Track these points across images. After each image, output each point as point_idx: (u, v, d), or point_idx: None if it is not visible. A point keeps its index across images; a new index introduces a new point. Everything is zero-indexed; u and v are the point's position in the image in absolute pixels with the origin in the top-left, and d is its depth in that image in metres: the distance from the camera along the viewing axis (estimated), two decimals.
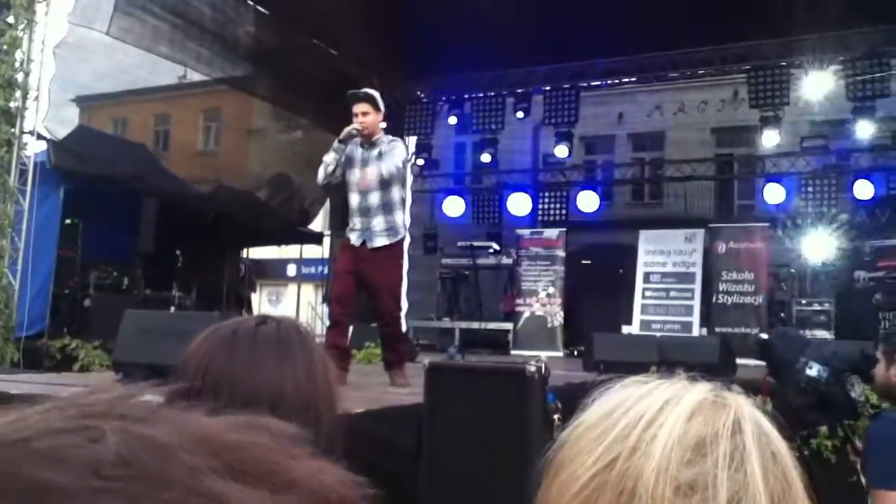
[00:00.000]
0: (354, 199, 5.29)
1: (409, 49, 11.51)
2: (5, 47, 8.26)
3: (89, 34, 9.63)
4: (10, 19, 8.32)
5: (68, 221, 9.04)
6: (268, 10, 11.61)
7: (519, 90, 13.26)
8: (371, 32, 10.91)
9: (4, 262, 7.85)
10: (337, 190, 5.56)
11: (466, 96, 13.76)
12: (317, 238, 14.54)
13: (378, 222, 5.21)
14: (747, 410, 0.69)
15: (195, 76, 14.12)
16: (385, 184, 5.19)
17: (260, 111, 16.90)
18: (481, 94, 13.61)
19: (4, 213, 7.97)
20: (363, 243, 5.22)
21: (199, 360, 1.27)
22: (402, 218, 5.37)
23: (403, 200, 5.44)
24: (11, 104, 8.22)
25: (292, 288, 20.12)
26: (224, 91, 15.27)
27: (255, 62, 11.73)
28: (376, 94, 5.31)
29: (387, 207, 5.22)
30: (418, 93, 14.02)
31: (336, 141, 5.20)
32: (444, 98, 13.85)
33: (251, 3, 11.47)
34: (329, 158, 5.21)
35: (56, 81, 9.13)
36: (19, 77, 8.30)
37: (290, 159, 13.72)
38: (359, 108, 5.18)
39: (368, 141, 5.23)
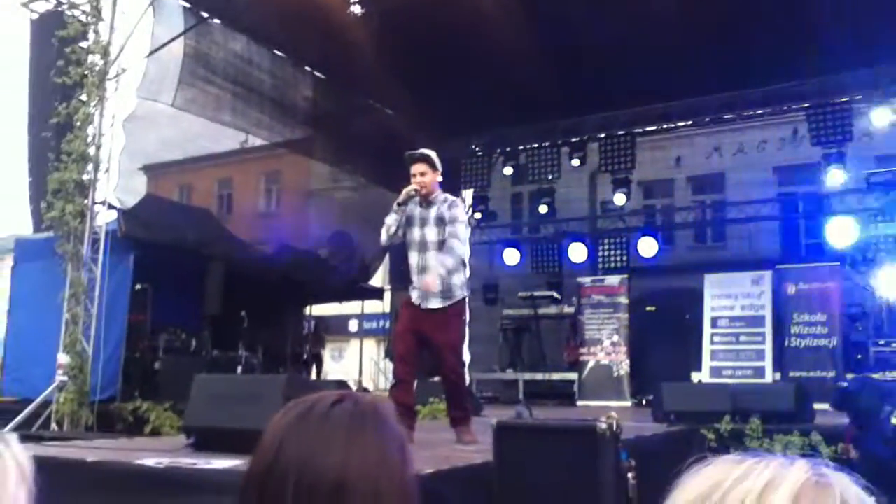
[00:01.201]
0: (413, 258, 5.31)
1: (463, 103, 11.66)
2: (79, 123, 8.66)
3: (155, 106, 10.05)
4: (84, 97, 8.73)
5: (138, 287, 9.30)
6: (324, 75, 11.95)
7: (574, 139, 13.29)
8: (424, 90, 11.12)
9: (79, 328, 8.09)
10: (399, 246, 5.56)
11: (521, 147, 13.83)
12: (377, 293, 14.65)
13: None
14: (853, 490, 0.67)
15: (256, 141, 14.57)
16: (444, 244, 5.20)
17: (318, 172, 17.29)
18: (536, 145, 13.67)
19: (78, 282, 8.25)
20: (420, 304, 5.23)
21: (272, 437, 1.26)
22: (462, 279, 5.32)
23: (463, 261, 5.36)
24: (84, 177, 8.58)
25: (354, 343, 20.23)
26: (284, 154, 15.72)
27: (312, 125, 12.06)
28: (433, 153, 5.37)
29: (444, 270, 5.19)
30: (473, 146, 14.16)
31: (395, 203, 5.25)
32: (498, 150, 13.95)
33: (308, 69, 11.83)
34: (390, 220, 5.26)
35: (125, 153, 9.53)
36: (91, 151, 8.67)
37: (348, 217, 13.95)
38: (416, 168, 5.25)
39: (426, 200, 5.27)
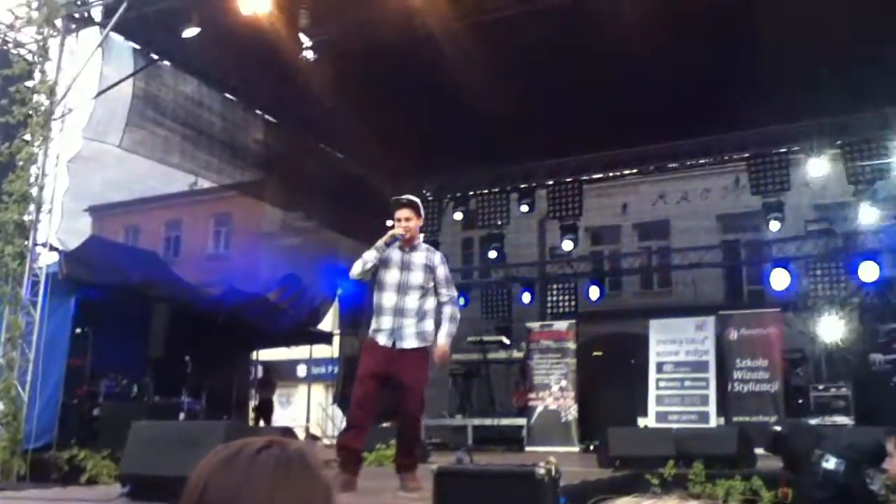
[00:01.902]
0: (389, 299, 5.33)
1: (414, 148, 11.78)
2: (21, 163, 8.50)
3: (102, 147, 9.92)
4: (27, 136, 8.59)
5: (78, 331, 9.07)
6: (276, 118, 11.97)
7: (523, 185, 13.49)
8: (375, 134, 11.20)
9: (14, 374, 7.84)
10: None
11: (471, 192, 13.98)
12: (327, 338, 14.51)
13: (410, 324, 5.26)
14: None
15: (206, 183, 14.46)
16: (424, 291, 5.34)
17: (269, 215, 17.19)
18: (486, 191, 13.83)
19: (16, 325, 8.02)
20: (393, 344, 5.25)
21: (197, 480, 1.25)
22: (433, 327, 5.41)
23: (435, 310, 5.48)
24: (25, 217, 8.40)
25: (302, 389, 19.95)
26: (234, 196, 15.62)
27: (264, 168, 12.02)
28: (418, 200, 5.53)
29: (420, 313, 5.31)
30: (423, 191, 14.27)
31: (381, 241, 5.33)
32: (449, 195, 14.08)
33: (259, 112, 11.84)
34: (369, 256, 5.31)
35: (69, 194, 9.35)
36: (34, 191, 8.50)
37: (299, 260, 13.86)
38: (402, 213, 5.35)
39: (409, 244, 5.39)
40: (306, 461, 1.28)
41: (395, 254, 5.37)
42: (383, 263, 5.35)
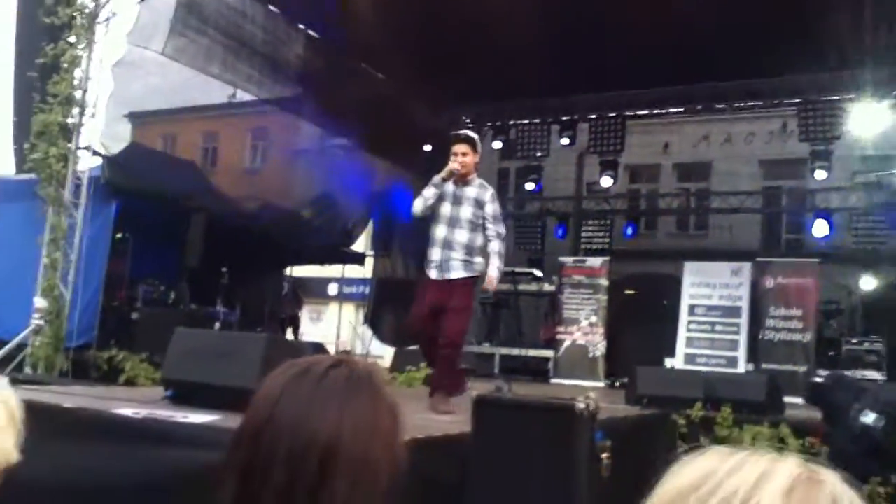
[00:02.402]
0: (440, 231, 5.51)
1: (455, 74, 11.56)
2: (66, 65, 8.48)
3: (145, 53, 9.87)
4: (72, 38, 8.54)
5: (119, 236, 9.20)
6: (318, 34, 11.78)
7: (564, 117, 13.24)
8: (418, 58, 11.00)
9: (57, 273, 8.01)
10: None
11: (511, 122, 13.77)
12: (359, 258, 14.61)
13: (457, 256, 5.44)
14: (842, 488, 0.68)
15: (245, 96, 14.39)
16: (474, 225, 5.48)
17: (306, 132, 17.11)
18: (526, 121, 13.61)
19: (59, 226, 8.15)
20: (442, 276, 5.45)
21: (265, 398, 1.26)
22: (482, 261, 5.57)
23: (482, 247, 5.63)
24: (69, 120, 8.43)
25: (333, 307, 20.21)
26: (272, 112, 15.54)
27: (303, 84, 11.89)
28: (476, 136, 5.66)
29: (468, 248, 5.47)
30: (463, 118, 14.07)
31: (438, 177, 5.47)
32: (489, 123, 13.88)
33: (302, 27, 11.66)
34: (428, 193, 5.47)
35: (112, 99, 9.37)
36: (77, 94, 8.51)
37: (334, 180, 13.85)
38: (459, 148, 5.47)
39: (463, 179, 5.50)
40: (373, 380, 1.28)
41: (448, 187, 5.50)
42: (440, 196, 5.49)
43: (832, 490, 0.67)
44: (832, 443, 4.90)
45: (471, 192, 5.49)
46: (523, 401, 3.80)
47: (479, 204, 5.48)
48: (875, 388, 5.82)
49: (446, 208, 5.48)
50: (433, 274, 5.46)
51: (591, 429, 3.53)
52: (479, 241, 5.52)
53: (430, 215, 5.56)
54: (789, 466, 0.68)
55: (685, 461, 0.72)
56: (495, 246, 5.49)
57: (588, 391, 3.99)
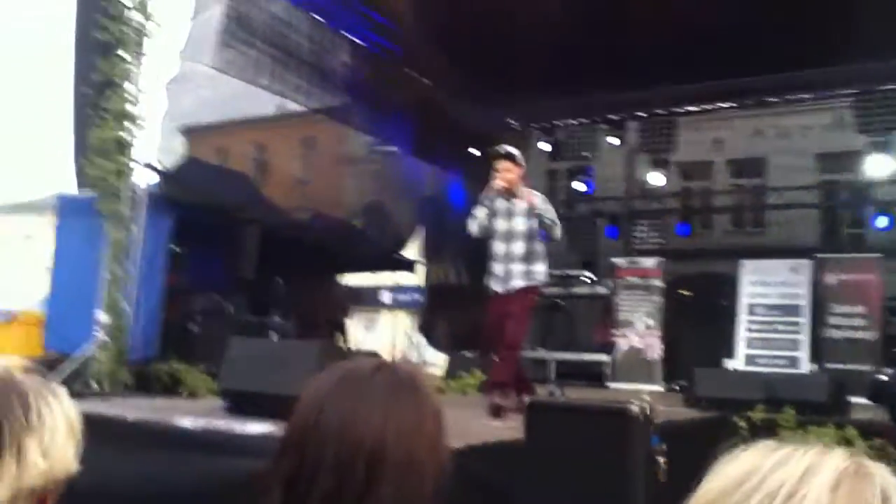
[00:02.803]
0: (498, 247, 5.70)
1: (499, 77, 11.54)
2: (118, 80, 8.68)
3: (197, 67, 10.12)
4: (123, 53, 8.74)
5: (176, 250, 9.39)
6: (362, 42, 11.90)
7: (612, 116, 13.10)
8: (462, 62, 11.02)
9: (118, 288, 8.19)
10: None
11: (559, 123, 13.68)
12: (410, 266, 14.68)
13: (518, 269, 5.63)
14: (892, 480, 0.67)
15: (293, 106, 14.59)
16: (531, 235, 5.68)
17: (354, 140, 17.28)
18: (574, 121, 13.51)
19: (118, 242, 8.34)
20: (503, 287, 5.65)
21: (312, 400, 1.27)
22: (544, 268, 5.78)
23: (546, 252, 5.84)
24: (124, 135, 8.62)
25: (386, 315, 20.33)
26: (320, 121, 15.73)
27: (350, 92, 12.01)
28: (516, 152, 5.84)
29: (530, 257, 5.67)
30: (508, 120, 14.03)
31: (483, 195, 5.71)
32: (534, 125, 13.81)
33: (347, 34, 11.78)
34: (481, 213, 5.69)
35: (167, 115, 9.58)
36: (130, 108, 8.70)
37: (383, 187, 13.95)
38: (500, 165, 5.67)
39: (510, 193, 5.67)
40: (417, 385, 1.28)
41: (500, 203, 5.70)
42: (492, 213, 5.69)
43: (882, 482, 0.66)
44: None
45: (521, 203, 5.65)
46: (577, 404, 3.78)
47: (531, 213, 5.64)
48: None
49: (501, 224, 5.69)
50: (497, 287, 5.68)
51: (647, 432, 3.48)
52: (539, 247, 5.71)
53: (492, 231, 5.74)
54: (836, 459, 0.68)
55: (730, 457, 0.72)
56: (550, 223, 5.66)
57: (645, 395, 3.94)
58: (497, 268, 5.69)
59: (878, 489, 0.65)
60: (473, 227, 5.72)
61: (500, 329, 5.54)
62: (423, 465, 1.19)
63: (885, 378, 6.25)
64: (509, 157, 5.70)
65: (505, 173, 5.61)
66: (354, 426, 1.19)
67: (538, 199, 5.70)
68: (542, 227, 5.65)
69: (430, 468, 1.20)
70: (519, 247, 5.63)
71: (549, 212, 5.69)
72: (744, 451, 0.72)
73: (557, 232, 5.75)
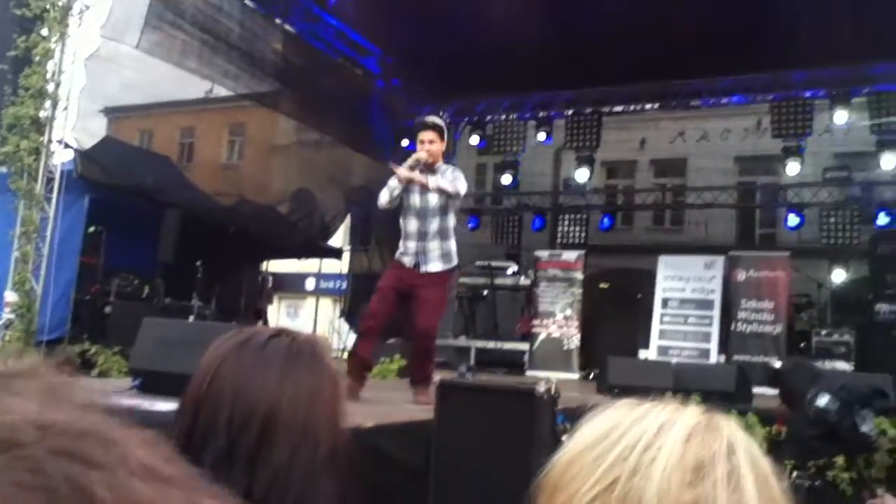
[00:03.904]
0: (412, 224, 5.41)
1: (435, 69, 11.60)
2: (38, 58, 8.41)
3: (120, 47, 9.81)
4: (44, 31, 8.48)
5: (92, 229, 9.16)
6: (295, 29, 11.78)
7: (541, 113, 13.30)
8: (396, 54, 11.03)
9: (28, 267, 7.96)
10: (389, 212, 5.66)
11: (489, 118, 13.82)
12: (336, 253, 14.61)
13: (434, 247, 5.35)
14: (739, 434, 0.72)
15: (222, 91, 14.33)
16: (444, 210, 5.39)
17: (283, 127, 17.07)
18: (503, 117, 13.67)
19: (31, 220, 8.10)
20: (416, 265, 5.34)
21: (207, 365, 1.29)
22: (455, 245, 5.50)
23: (456, 228, 5.58)
24: (41, 113, 8.37)
25: (310, 301, 20.18)
26: (249, 107, 15.50)
27: (280, 79, 11.87)
28: (443, 123, 5.61)
29: (443, 234, 5.39)
30: (441, 113, 14.10)
31: (404, 166, 5.37)
32: (466, 119, 13.92)
33: (279, 21, 11.64)
34: (394, 183, 5.36)
35: (85, 93, 9.31)
36: (50, 87, 8.44)
37: (312, 175, 13.84)
38: (425, 135, 5.38)
39: (429, 167, 5.41)
40: (315, 350, 1.31)
41: (416, 177, 5.37)
42: (406, 188, 5.39)
43: (728, 435, 0.71)
44: (791, 426, 5.00)
45: (436, 179, 5.36)
46: (485, 385, 3.86)
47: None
48: (832, 374, 5.93)
49: (415, 199, 5.39)
50: (406, 261, 5.37)
51: (552, 412, 3.59)
52: (452, 222, 5.46)
53: (400, 207, 5.48)
54: (689, 415, 0.72)
55: (593, 414, 0.75)
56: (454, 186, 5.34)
57: (558, 382, 4.05)
58: (410, 246, 5.39)
59: (725, 441, 0.69)
60: (384, 197, 5.38)
61: (396, 298, 5.26)
62: (318, 430, 1.21)
63: (778, 364, 6.56)
64: (435, 127, 5.45)
65: (429, 144, 5.35)
66: (248, 389, 1.21)
67: (450, 171, 5.46)
68: (448, 197, 5.35)
69: (325, 433, 1.22)
70: (434, 224, 5.36)
71: (455, 181, 5.38)
72: (606, 409, 0.75)
73: (462, 190, 5.41)
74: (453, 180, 5.36)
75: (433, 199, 5.36)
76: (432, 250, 5.34)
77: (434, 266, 5.34)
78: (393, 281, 5.34)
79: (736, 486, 0.67)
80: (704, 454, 0.68)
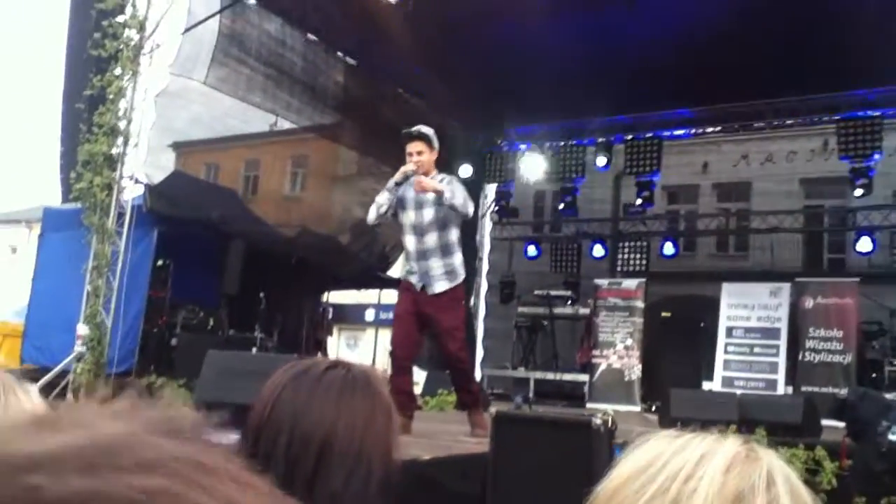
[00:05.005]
0: (410, 242, 5.17)
1: (492, 96, 11.68)
2: (111, 97, 8.78)
3: (188, 83, 10.17)
4: (117, 71, 8.85)
5: (159, 263, 9.43)
6: (356, 61, 12.03)
7: (601, 139, 13.25)
8: (454, 82, 11.14)
9: (100, 300, 8.24)
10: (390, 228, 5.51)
11: (548, 144, 13.82)
12: (395, 283, 14.68)
13: (436, 265, 5.07)
14: (778, 464, 0.74)
15: (285, 124, 14.66)
16: (442, 224, 5.08)
17: (345, 158, 17.34)
18: (562, 143, 13.65)
19: (103, 254, 8.40)
20: (423, 287, 5.10)
21: (268, 394, 1.34)
22: (461, 258, 5.22)
23: (460, 240, 5.28)
24: (113, 150, 8.71)
25: (370, 332, 20.32)
26: (312, 139, 15.81)
27: (342, 110, 12.12)
28: (430, 131, 5.19)
29: (445, 249, 5.10)
30: (498, 140, 14.17)
31: (391, 182, 5.12)
32: (524, 146, 13.95)
33: (340, 54, 11.91)
34: (382, 199, 5.10)
35: (155, 129, 9.66)
36: (122, 124, 8.79)
37: (372, 205, 13.99)
38: (413, 147, 5.08)
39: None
40: (370, 381, 1.36)
41: (409, 192, 5.10)
42: (400, 204, 5.12)
43: (768, 465, 0.72)
44: (857, 459, 4.81)
45: (431, 193, 5.00)
46: (540, 417, 3.84)
47: (440, 201, 4.98)
48: None
49: (409, 216, 5.10)
50: (413, 280, 5.12)
51: (609, 444, 3.55)
52: (453, 236, 5.15)
53: (398, 225, 5.25)
54: (730, 446, 0.74)
55: (635, 445, 0.77)
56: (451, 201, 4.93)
57: (619, 415, 4.01)
58: (413, 265, 5.12)
59: (765, 471, 0.71)
60: (372, 213, 5.10)
61: (416, 324, 5.05)
62: (372, 458, 1.26)
63: (844, 395, 6.33)
64: (422, 137, 5.08)
65: (417, 156, 5.00)
66: (306, 418, 1.26)
67: (446, 180, 5.06)
68: (451, 209, 4.95)
69: (378, 462, 1.27)
70: (432, 240, 5.04)
71: (456, 193, 4.95)
72: (648, 440, 0.77)
73: (468, 210, 5.02)
74: (452, 188, 4.99)
75: (428, 215, 5.05)
76: (435, 269, 5.05)
77: (440, 286, 5.06)
78: (408, 305, 5.12)
79: None
80: (744, 485, 0.69)
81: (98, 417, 0.39)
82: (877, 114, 11.25)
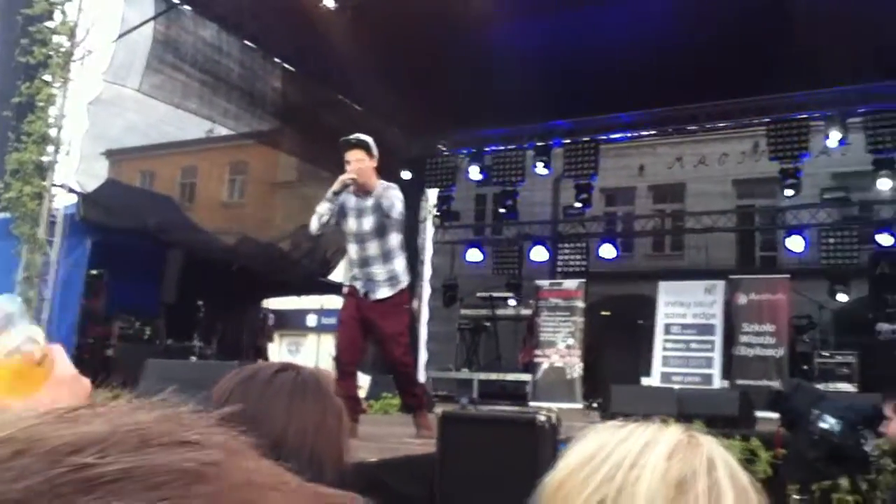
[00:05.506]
0: (352, 250, 5.17)
1: (433, 102, 11.72)
2: (41, 104, 8.53)
3: (122, 91, 9.95)
4: (47, 77, 8.61)
5: (94, 272, 9.21)
6: (294, 68, 11.93)
7: (539, 143, 13.41)
8: (394, 88, 11.14)
9: (31, 312, 8.00)
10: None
11: (487, 149, 13.93)
12: (337, 288, 14.54)
13: (379, 272, 5.08)
14: (718, 450, 0.77)
15: (222, 130, 14.47)
16: (381, 232, 5.08)
17: (285, 165, 17.20)
18: (502, 147, 13.78)
19: (33, 265, 8.16)
20: (366, 293, 5.11)
21: (216, 399, 1.34)
22: (403, 263, 5.24)
23: (403, 245, 5.31)
24: (44, 158, 8.47)
25: (312, 338, 20.17)
26: (250, 145, 15.65)
27: (281, 117, 12.00)
28: (369, 139, 5.17)
29: (386, 256, 5.10)
30: (439, 146, 14.23)
31: (330, 192, 5.08)
32: (465, 151, 14.05)
33: (278, 60, 11.80)
34: (322, 209, 5.08)
35: (88, 136, 9.42)
36: (52, 132, 8.55)
37: (312, 211, 13.88)
38: (351, 155, 5.04)
39: (362, 189, 5.09)
40: (320, 384, 1.37)
41: (350, 200, 5.11)
42: (342, 212, 5.12)
43: (709, 451, 0.75)
44: (792, 448, 4.99)
45: (371, 200, 5.02)
46: (486, 415, 3.88)
47: (379, 208, 5.00)
48: (834, 396, 5.93)
49: (351, 224, 5.09)
50: (357, 286, 5.13)
51: (554, 441, 3.61)
52: (394, 241, 5.14)
53: (341, 233, 5.27)
54: (672, 434, 0.77)
55: (581, 436, 0.80)
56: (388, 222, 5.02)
57: (561, 412, 4.08)
58: (356, 272, 5.13)
59: (706, 456, 0.73)
60: (313, 223, 5.09)
61: (360, 329, 5.06)
62: (323, 461, 1.26)
63: (778, 387, 6.56)
64: (360, 145, 5.03)
65: (356, 164, 4.96)
66: (254, 425, 1.27)
67: (389, 192, 5.04)
68: (384, 215, 4.98)
69: (329, 464, 1.27)
70: (373, 247, 5.05)
71: (389, 201, 4.97)
72: (593, 431, 0.80)
73: (395, 213, 5.00)
74: (387, 204, 5.01)
75: (367, 223, 5.06)
76: (377, 275, 5.07)
77: (382, 293, 5.08)
78: (353, 311, 5.12)
79: (717, 499, 0.71)
80: (687, 470, 0.72)
81: (117, 411, 0.39)
82: (804, 116, 11.65)
